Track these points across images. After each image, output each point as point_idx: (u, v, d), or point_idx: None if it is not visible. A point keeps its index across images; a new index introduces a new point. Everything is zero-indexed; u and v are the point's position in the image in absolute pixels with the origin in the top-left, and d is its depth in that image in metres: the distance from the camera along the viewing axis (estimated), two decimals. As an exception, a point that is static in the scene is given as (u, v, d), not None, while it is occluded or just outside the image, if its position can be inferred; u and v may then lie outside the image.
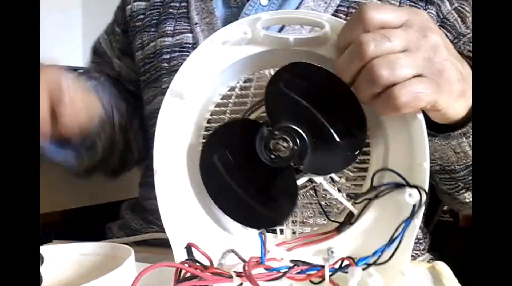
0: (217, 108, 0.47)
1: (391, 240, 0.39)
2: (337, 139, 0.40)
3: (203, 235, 0.44)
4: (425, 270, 0.50)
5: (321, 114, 0.41)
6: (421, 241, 0.63)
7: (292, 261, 0.38)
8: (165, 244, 0.44)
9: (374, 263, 0.39)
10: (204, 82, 0.44)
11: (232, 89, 0.46)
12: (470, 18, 0.61)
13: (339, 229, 0.44)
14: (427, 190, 0.40)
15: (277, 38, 0.42)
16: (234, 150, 0.43)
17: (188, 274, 0.34)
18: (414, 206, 0.40)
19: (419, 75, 0.38)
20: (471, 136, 0.46)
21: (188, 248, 0.38)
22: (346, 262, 0.38)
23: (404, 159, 0.42)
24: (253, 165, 0.41)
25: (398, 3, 0.60)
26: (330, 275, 0.37)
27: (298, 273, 0.37)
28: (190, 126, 0.46)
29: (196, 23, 0.65)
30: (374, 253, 0.39)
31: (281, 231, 0.47)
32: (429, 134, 0.48)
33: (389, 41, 0.37)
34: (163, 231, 0.46)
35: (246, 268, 0.34)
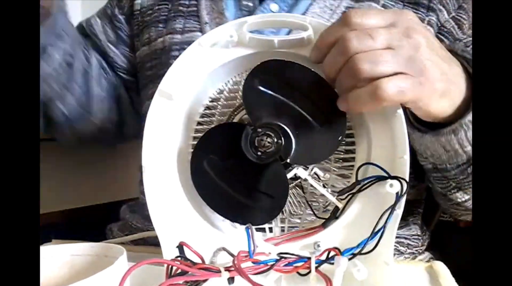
0: (207, 111, 0.48)
1: (375, 232, 0.40)
2: (319, 127, 0.42)
3: (193, 233, 0.45)
4: (422, 270, 0.50)
5: (299, 106, 0.42)
6: (419, 237, 0.64)
7: (279, 254, 0.39)
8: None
9: (360, 253, 0.39)
10: (193, 84, 0.45)
11: (221, 92, 0.47)
12: (467, 25, 0.63)
13: (325, 224, 0.44)
14: (407, 180, 0.41)
15: (263, 40, 0.44)
16: (222, 153, 0.43)
17: (179, 272, 0.35)
18: (396, 195, 0.40)
19: (401, 73, 0.39)
20: (459, 133, 0.47)
21: (180, 246, 0.39)
22: (332, 253, 0.39)
23: (386, 154, 0.43)
24: (242, 165, 0.43)
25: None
26: (317, 266, 0.37)
27: (286, 265, 0.37)
28: (179, 127, 0.47)
29: (206, 23, 0.65)
30: (358, 244, 0.39)
31: (270, 229, 0.48)
32: (420, 131, 0.49)
33: (371, 38, 0.39)
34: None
35: (236, 262, 0.35)
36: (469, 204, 0.57)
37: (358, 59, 0.38)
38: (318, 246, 0.43)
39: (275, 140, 0.41)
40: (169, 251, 0.43)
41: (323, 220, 0.45)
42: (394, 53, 0.39)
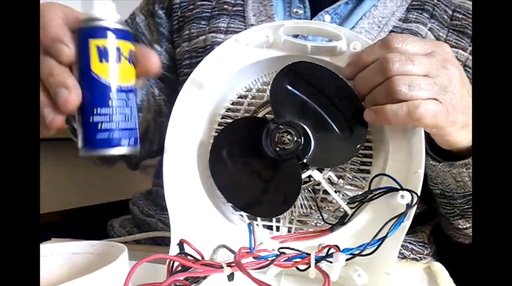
0: (232, 106, 0.49)
1: (376, 238, 0.39)
2: (339, 133, 0.43)
3: (205, 223, 0.46)
4: (420, 271, 0.50)
5: (323, 110, 0.43)
6: (425, 245, 0.64)
7: (280, 249, 0.39)
8: (165, 242, 0.44)
9: (359, 255, 0.39)
10: (224, 77, 0.47)
11: (249, 90, 0.49)
12: None
13: (332, 228, 0.45)
14: (419, 193, 0.41)
15: (297, 44, 0.45)
16: (242, 145, 0.45)
17: (180, 268, 0.35)
18: (406, 206, 0.40)
19: (434, 99, 0.41)
20: (471, 168, 0.50)
21: (180, 244, 0.39)
22: (332, 251, 0.39)
23: (401, 168, 0.44)
24: (260, 159, 0.44)
25: (444, 38, 0.63)
26: (316, 262, 0.37)
27: (285, 260, 0.38)
28: (204, 117, 0.48)
29: (252, 24, 0.64)
30: (360, 246, 0.39)
31: (277, 228, 0.48)
32: (434, 160, 0.52)
33: (412, 64, 0.41)
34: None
35: (236, 257, 0.35)
36: (469, 231, 0.59)
37: (397, 80, 0.40)
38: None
39: (295, 138, 0.43)
40: (178, 236, 0.43)
41: (331, 225, 0.45)
42: (431, 81, 0.41)
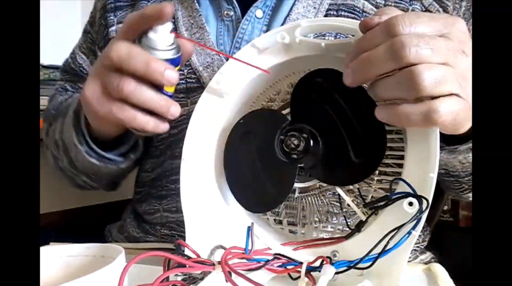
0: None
1: (379, 245, 0.38)
2: (353, 157, 0.41)
3: (222, 231, 0.46)
4: (420, 272, 0.50)
5: (343, 126, 0.41)
6: (420, 233, 0.63)
7: (275, 254, 0.39)
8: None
9: (354, 267, 0.37)
10: (243, 84, 0.46)
11: (271, 100, 0.49)
12: (451, 6, 0.61)
13: (348, 236, 0.43)
14: (430, 201, 0.38)
15: (311, 43, 0.44)
16: (257, 136, 0.45)
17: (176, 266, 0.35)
18: (416, 214, 0.38)
19: (455, 94, 0.35)
20: None
21: (177, 245, 0.40)
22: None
23: (418, 170, 0.40)
24: (270, 156, 0.44)
25: (383, 3, 0.60)
26: (308, 272, 0.36)
27: (278, 266, 0.37)
28: (223, 125, 0.48)
29: None
30: (361, 258, 0.37)
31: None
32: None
33: (430, 49, 0.34)
34: (161, 241, 0.49)
35: (223, 255, 0.35)
36: None
37: (420, 72, 0.33)
38: (334, 255, 0.42)
39: (302, 144, 0.42)
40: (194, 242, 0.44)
41: (344, 230, 0.45)
42: (452, 72, 0.34)
